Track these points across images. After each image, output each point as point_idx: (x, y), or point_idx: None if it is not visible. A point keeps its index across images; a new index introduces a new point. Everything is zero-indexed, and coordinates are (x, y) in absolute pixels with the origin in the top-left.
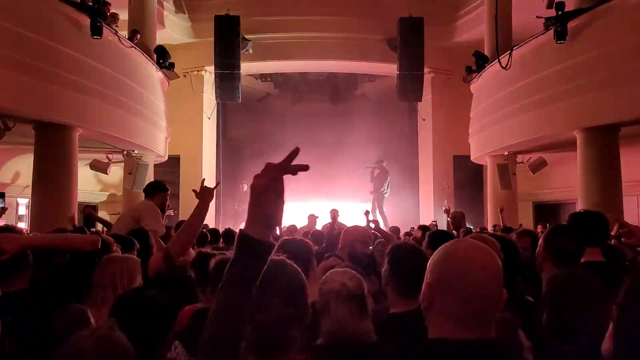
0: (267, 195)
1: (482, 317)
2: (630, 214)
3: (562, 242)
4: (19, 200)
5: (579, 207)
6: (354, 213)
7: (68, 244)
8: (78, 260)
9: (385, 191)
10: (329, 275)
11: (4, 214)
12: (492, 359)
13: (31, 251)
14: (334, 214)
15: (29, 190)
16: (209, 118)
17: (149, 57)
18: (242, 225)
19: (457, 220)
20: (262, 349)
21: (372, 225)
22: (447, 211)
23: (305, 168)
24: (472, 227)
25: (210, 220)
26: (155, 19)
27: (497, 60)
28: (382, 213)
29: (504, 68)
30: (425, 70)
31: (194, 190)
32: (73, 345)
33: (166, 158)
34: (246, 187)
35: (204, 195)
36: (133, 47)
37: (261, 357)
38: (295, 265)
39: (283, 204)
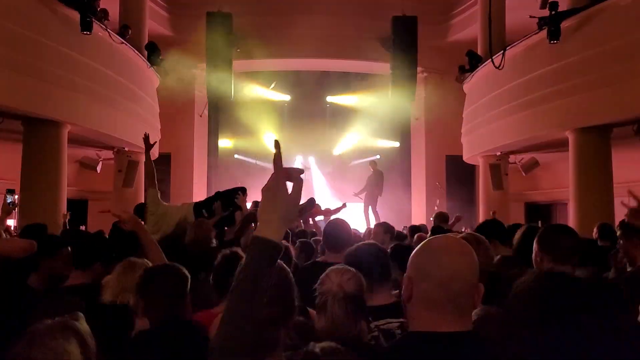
0: (277, 199)
1: (460, 302)
2: (621, 215)
3: (558, 240)
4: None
5: (571, 207)
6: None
7: None
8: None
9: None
10: (327, 275)
11: (14, 210)
12: (472, 351)
13: None
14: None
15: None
16: (200, 116)
17: (139, 54)
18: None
19: (434, 220)
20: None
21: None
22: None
23: (300, 171)
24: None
25: None
26: (146, 15)
27: (490, 60)
28: (375, 212)
29: (497, 68)
30: (419, 69)
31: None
32: (30, 331)
33: (157, 156)
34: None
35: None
36: (123, 43)
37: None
38: (284, 265)
39: (294, 207)
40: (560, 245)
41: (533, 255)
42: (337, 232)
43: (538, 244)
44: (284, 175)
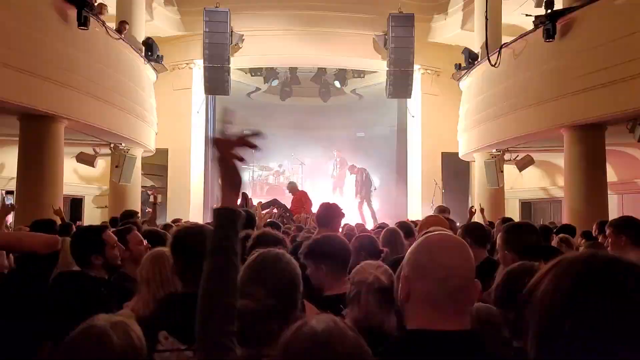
0: (223, 168)
1: (458, 299)
2: (614, 213)
3: (523, 237)
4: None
5: (565, 204)
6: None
7: (18, 245)
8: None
9: (371, 191)
10: (362, 267)
11: (13, 211)
12: (470, 350)
13: None
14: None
15: (14, 183)
16: (198, 112)
17: (137, 50)
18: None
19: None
20: (243, 338)
21: None
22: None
23: (254, 146)
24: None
25: (198, 218)
26: (143, 11)
27: (486, 58)
28: (370, 207)
29: (493, 66)
30: (415, 67)
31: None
32: (88, 325)
33: (154, 151)
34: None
35: None
36: (121, 39)
37: (244, 347)
38: (294, 261)
39: (237, 172)
40: (527, 242)
41: (499, 254)
42: (328, 211)
43: (504, 243)
44: (237, 144)
